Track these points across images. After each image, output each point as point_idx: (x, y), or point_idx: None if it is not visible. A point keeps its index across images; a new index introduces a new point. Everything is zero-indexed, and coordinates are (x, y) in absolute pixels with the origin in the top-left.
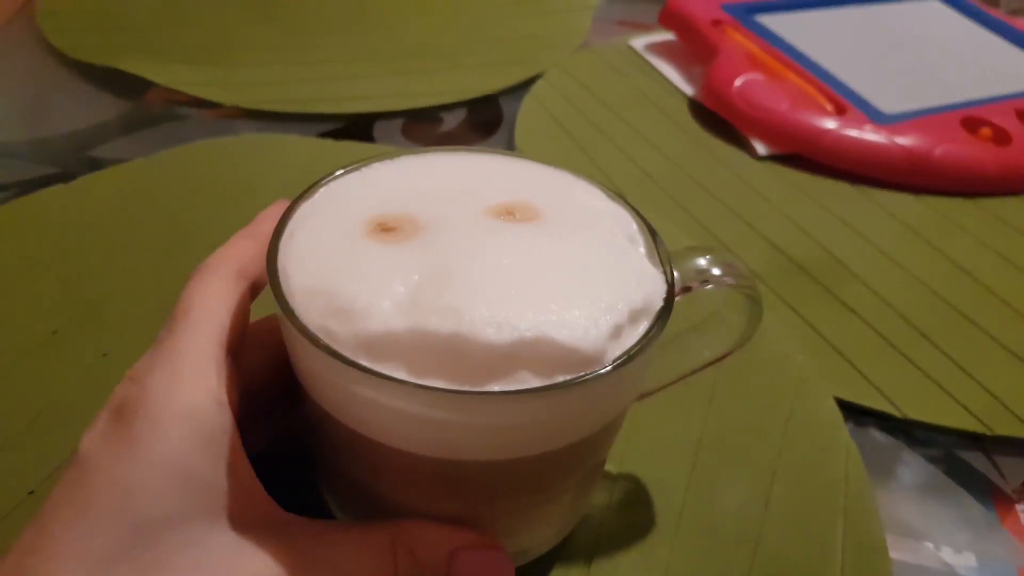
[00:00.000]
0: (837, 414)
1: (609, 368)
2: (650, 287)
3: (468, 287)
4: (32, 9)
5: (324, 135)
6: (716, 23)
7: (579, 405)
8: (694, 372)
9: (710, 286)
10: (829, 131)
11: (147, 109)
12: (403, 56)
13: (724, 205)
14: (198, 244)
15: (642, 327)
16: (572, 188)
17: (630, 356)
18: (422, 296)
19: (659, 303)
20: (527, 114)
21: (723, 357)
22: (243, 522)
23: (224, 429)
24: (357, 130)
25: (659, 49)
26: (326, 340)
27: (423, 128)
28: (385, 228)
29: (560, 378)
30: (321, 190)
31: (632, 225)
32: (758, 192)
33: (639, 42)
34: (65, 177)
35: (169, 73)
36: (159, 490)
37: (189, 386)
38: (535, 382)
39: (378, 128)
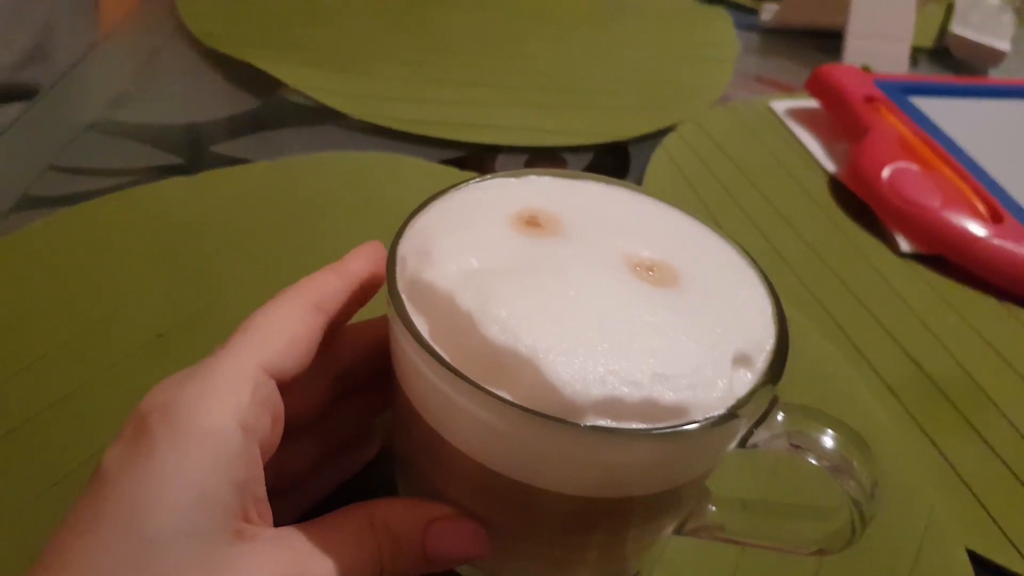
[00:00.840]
0: (969, 571)
1: (560, 422)
2: (696, 398)
3: (519, 291)
4: None
5: (447, 162)
6: (869, 100)
7: (540, 445)
8: (779, 549)
9: (812, 460)
10: (981, 239)
11: (274, 109)
12: (534, 88)
13: (858, 300)
14: (312, 257)
15: (648, 424)
16: (739, 285)
17: (588, 427)
18: (480, 278)
19: (689, 416)
20: (657, 168)
21: (816, 552)
22: (250, 538)
23: (243, 451)
24: (479, 161)
25: (801, 116)
26: (399, 268)
27: (546, 168)
28: (533, 222)
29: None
30: (522, 178)
31: (766, 347)
32: (896, 292)
33: (780, 105)
34: (184, 169)
35: (299, 75)
36: (170, 505)
37: (215, 404)
38: (509, 399)
39: (501, 162)
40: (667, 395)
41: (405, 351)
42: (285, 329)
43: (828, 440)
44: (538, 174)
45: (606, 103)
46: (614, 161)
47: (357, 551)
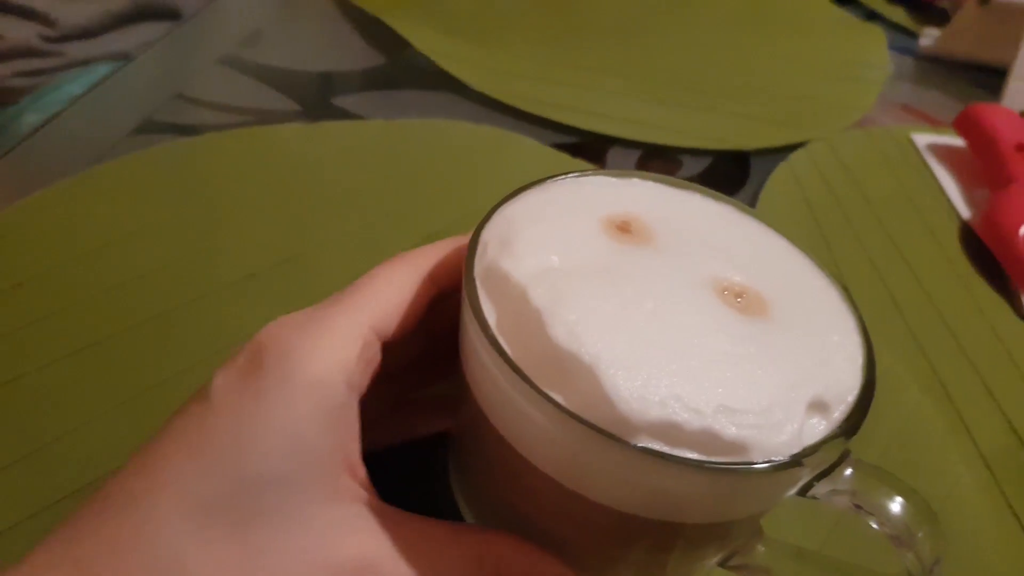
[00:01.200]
0: None
1: (604, 436)
2: (760, 438)
3: (594, 297)
4: None
5: (560, 147)
6: (1021, 148)
7: (586, 455)
8: None
9: (873, 524)
10: None
11: (399, 70)
12: (662, 84)
13: (967, 359)
14: (409, 221)
15: (703, 456)
16: (833, 329)
17: (636, 448)
18: (557, 276)
19: (748, 455)
20: (777, 184)
21: None
22: (344, 501)
23: (346, 407)
24: (592, 150)
25: (943, 153)
26: (479, 253)
27: (660, 167)
28: (624, 228)
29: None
30: (624, 179)
31: (847, 397)
32: (1011, 357)
33: (923, 138)
34: (303, 116)
35: (429, 39)
36: (271, 450)
37: (328, 357)
38: (563, 404)
39: (613, 154)
40: (729, 429)
41: (469, 335)
42: (398, 294)
43: (895, 507)
44: (642, 177)
45: (734, 109)
46: (733, 170)
47: (457, 572)
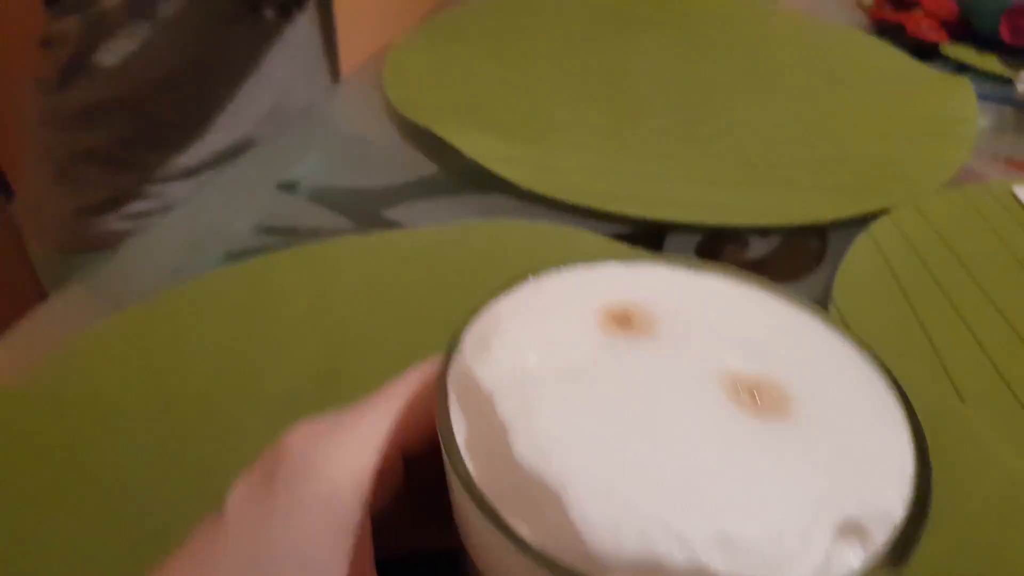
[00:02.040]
0: None
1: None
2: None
3: (569, 403)
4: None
5: (620, 237)
6: None
7: None
8: None
9: None
10: None
11: (451, 177)
12: (726, 162)
13: None
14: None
15: None
16: (873, 430)
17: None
18: (531, 380)
19: None
20: (857, 256)
21: None
22: None
23: (358, 526)
24: (648, 238)
25: None
26: (457, 357)
27: (723, 250)
28: (624, 320)
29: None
30: (632, 267)
31: (892, 517)
32: None
33: None
34: (355, 232)
35: (479, 144)
36: (280, 574)
37: (341, 471)
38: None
39: (671, 241)
40: (724, 567)
41: (442, 453)
42: (422, 404)
43: None
44: (655, 262)
45: (807, 181)
46: (807, 248)
47: None
